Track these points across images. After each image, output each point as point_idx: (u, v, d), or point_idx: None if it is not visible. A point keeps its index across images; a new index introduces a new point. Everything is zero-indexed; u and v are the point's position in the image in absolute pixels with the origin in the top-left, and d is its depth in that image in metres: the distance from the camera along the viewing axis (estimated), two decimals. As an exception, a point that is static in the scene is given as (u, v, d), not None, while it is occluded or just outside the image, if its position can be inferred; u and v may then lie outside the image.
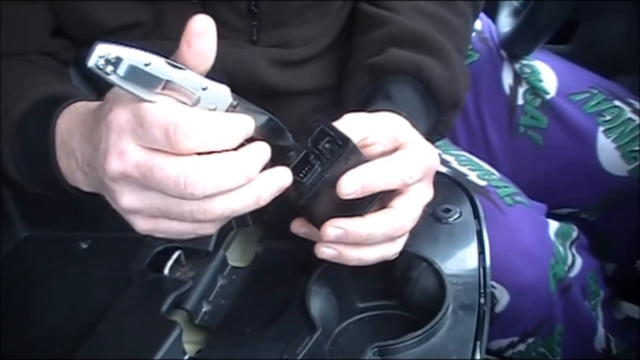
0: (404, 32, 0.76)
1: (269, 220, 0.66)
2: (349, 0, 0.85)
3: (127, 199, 0.51)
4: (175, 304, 0.57)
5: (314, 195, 0.54)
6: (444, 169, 0.96)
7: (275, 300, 0.60)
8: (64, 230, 0.71)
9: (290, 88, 0.82)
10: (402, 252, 0.60)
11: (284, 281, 0.62)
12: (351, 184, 0.54)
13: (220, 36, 0.78)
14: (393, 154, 0.59)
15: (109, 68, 0.45)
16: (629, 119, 1.08)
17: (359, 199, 0.55)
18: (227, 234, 0.65)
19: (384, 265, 0.62)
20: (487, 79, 1.17)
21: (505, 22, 1.19)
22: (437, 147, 0.97)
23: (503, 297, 0.87)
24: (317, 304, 0.57)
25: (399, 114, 0.65)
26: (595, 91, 1.11)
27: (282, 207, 0.56)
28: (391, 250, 0.58)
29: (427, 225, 0.66)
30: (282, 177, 0.52)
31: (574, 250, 0.98)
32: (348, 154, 0.54)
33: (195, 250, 0.62)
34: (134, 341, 0.53)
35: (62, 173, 0.60)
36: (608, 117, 1.08)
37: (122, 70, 0.45)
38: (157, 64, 0.46)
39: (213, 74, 0.80)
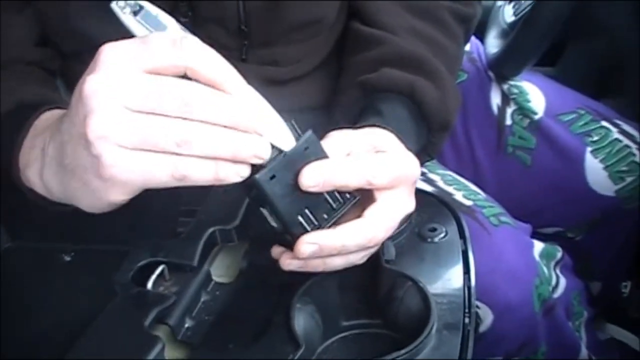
0: (397, 53, 0.76)
1: (253, 236, 0.66)
2: (340, 20, 0.85)
3: (114, 127, 0.46)
4: (158, 319, 0.56)
5: (270, 173, 0.52)
6: (429, 188, 0.96)
7: (258, 317, 0.59)
8: (47, 241, 0.70)
9: (279, 106, 0.82)
10: (388, 271, 0.60)
11: (268, 298, 0.61)
12: (313, 177, 0.53)
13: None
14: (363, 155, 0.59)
15: (127, 10, 0.52)
16: (616, 139, 1.09)
17: (322, 197, 0.55)
18: (211, 250, 0.65)
19: (369, 284, 0.62)
20: (475, 99, 1.17)
21: (493, 43, 1.21)
22: (424, 166, 0.97)
23: (487, 317, 0.87)
24: (301, 321, 0.57)
25: (387, 129, 0.65)
26: (583, 112, 1.12)
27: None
28: (358, 258, 0.58)
29: (412, 244, 0.66)
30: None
31: (558, 270, 0.98)
32: (306, 141, 0.53)
33: (179, 264, 0.61)
34: (115, 355, 0.52)
35: (21, 171, 0.59)
36: (595, 138, 1.09)
37: (139, 13, 0.52)
38: (166, 16, 0.53)
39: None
